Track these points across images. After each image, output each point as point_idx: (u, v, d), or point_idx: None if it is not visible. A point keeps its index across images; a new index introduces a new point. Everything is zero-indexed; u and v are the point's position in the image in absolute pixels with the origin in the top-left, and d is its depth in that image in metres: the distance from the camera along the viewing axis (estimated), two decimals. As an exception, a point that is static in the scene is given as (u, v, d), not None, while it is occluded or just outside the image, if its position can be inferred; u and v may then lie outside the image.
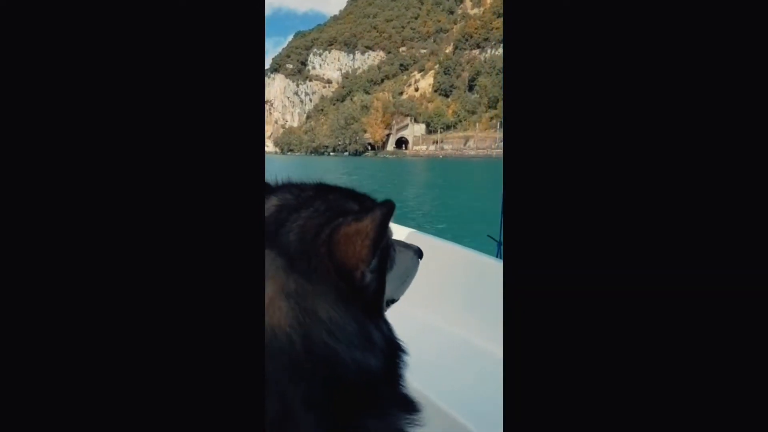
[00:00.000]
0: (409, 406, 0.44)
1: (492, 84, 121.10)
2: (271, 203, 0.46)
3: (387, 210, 0.41)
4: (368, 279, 0.43)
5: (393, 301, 0.51)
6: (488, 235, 2.43)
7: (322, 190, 0.48)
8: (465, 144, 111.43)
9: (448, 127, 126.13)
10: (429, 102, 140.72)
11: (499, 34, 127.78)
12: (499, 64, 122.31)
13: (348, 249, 0.41)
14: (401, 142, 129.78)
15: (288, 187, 0.48)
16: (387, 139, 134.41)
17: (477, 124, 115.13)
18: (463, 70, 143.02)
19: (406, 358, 0.46)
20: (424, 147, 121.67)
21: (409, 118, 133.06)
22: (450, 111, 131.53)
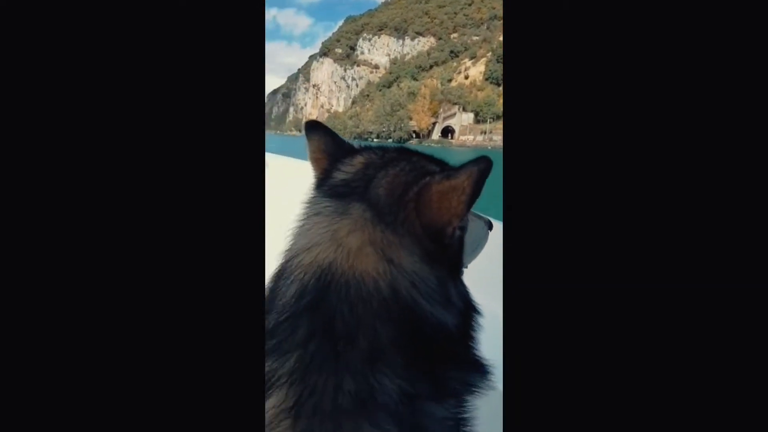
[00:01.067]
0: (482, 368, 0.46)
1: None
2: (357, 161, 0.48)
3: (485, 166, 0.42)
4: (457, 236, 0.45)
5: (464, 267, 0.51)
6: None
7: (404, 152, 0.50)
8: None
9: (498, 117, 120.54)
10: (479, 90, 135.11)
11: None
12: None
13: (442, 205, 0.42)
14: (447, 132, 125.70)
15: (371, 148, 0.50)
16: (433, 128, 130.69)
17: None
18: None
19: (481, 320, 0.47)
20: (471, 137, 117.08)
21: (457, 106, 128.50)
22: (501, 100, 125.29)
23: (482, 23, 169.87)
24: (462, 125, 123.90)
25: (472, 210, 0.48)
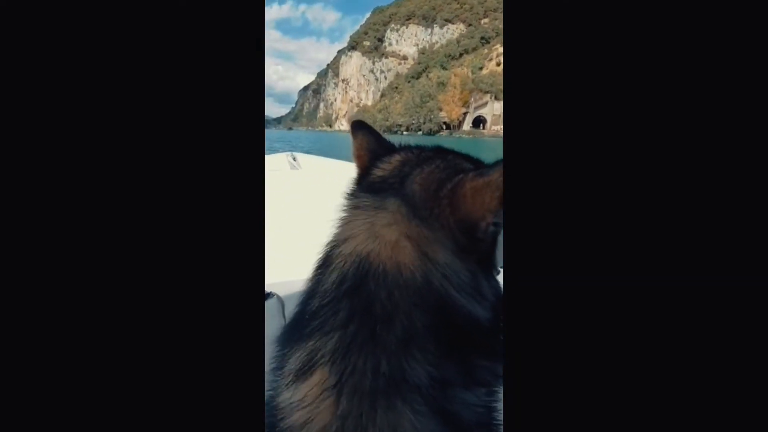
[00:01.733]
0: None
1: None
2: (395, 159, 0.51)
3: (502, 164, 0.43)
4: (492, 231, 0.46)
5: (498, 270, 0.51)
6: None
7: (440, 151, 0.52)
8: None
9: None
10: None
11: None
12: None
13: (476, 201, 0.43)
14: (479, 122, 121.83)
15: (409, 147, 0.53)
16: (464, 118, 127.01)
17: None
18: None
19: None
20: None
21: (488, 95, 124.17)
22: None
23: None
24: (494, 114, 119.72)
25: None
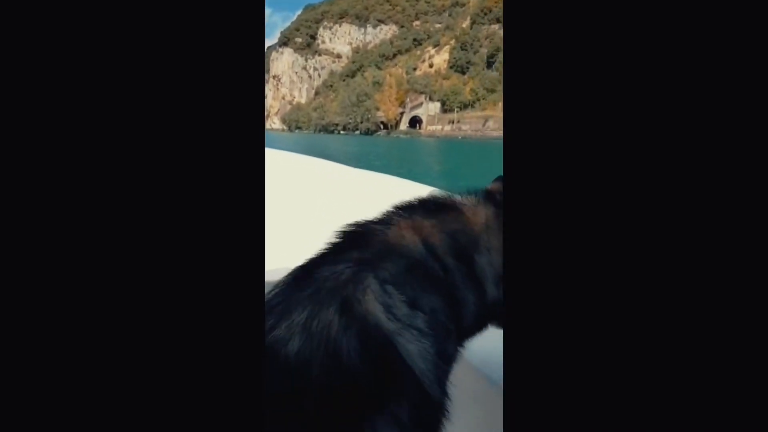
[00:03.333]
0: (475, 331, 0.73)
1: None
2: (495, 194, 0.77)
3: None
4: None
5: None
6: None
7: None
8: (484, 124, 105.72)
9: (465, 106, 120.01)
10: (444, 79, 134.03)
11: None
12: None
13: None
14: (415, 122, 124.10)
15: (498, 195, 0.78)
16: (400, 118, 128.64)
17: (499, 104, 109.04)
18: (481, 46, 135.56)
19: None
20: (439, 127, 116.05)
21: (423, 95, 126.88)
22: (467, 89, 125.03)
23: (444, 10, 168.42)
24: (429, 115, 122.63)
25: None
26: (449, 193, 0.77)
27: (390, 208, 0.71)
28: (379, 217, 0.69)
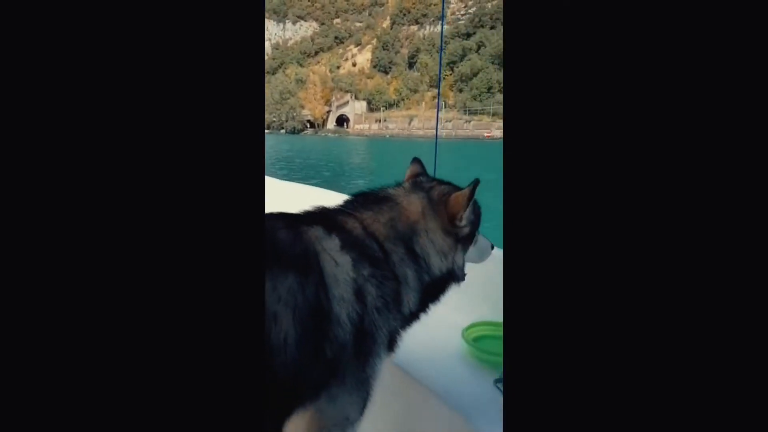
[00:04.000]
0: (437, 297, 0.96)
1: (433, 62, 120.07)
2: (428, 179, 1.00)
3: (474, 186, 0.89)
4: (463, 223, 0.91)
5: (462, 268, 0.97)
6: None
7: (442, 181, 1.00)
8: (409, 123, 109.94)
9: (390, 105, 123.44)
10: (368, 78, 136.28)
11: (437, 10, 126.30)
12: (438, 42, 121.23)
13: (456, 204, 0.88)
14: (342, 120, 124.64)
15: (421, 177, 1.02)
16: (327, 117, 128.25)
17: (422, 104, 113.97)
18: (402, 47, 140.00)
19: (464, 278, 0.96)
20: (366, 125, 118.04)
21: (349, 94, 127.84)
22: (391, 89, 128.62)
23: (364, 9, 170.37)
24: (356, 114, 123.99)
25: (482, 234, 1.02)
26: (383, 187, 0.96)
27: (332, 206, 0.89)
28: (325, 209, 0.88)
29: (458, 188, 0.94)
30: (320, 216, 0.84)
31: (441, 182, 0.99)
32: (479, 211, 0.97)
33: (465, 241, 0.94)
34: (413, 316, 0.91)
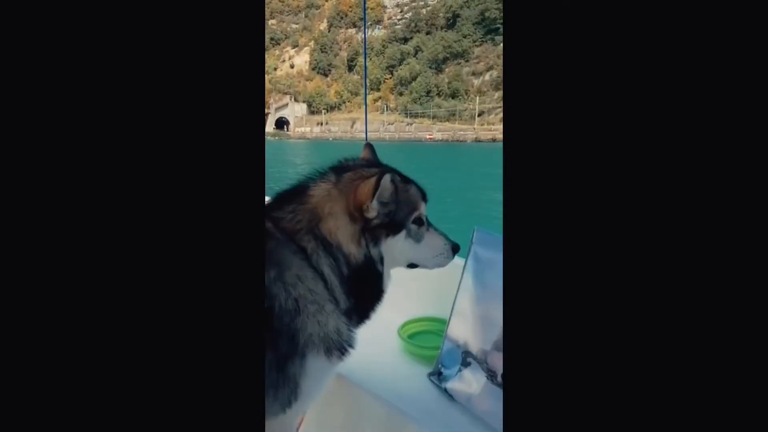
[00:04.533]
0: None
1: (372, 65, 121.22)
2: (353, 164, 0.98)
3: (379, 175, 0.85)
4: (371, 214, 0.86)
5: (415, 265, 0.96)
6: None
7: (370, 163, 0.99)
8: (352, 126, 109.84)
9: (331, 108, 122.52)
10: (307, 80, 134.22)
11: (374, 15, 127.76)
12: (377, 46, 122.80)
13: (362, 193, 0.85)
14: (282, 123, 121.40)
15: (357, 160, 1.00)
16: (266, 119, 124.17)
17: (365, 106, 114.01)
18: (340, 49, 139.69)
19: (380, 269, 0.91)
20: (308, 128, 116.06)
21: (288, 96, 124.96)
22: (332, 91, 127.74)
23: (300, 11, 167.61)
24: (296, 116, 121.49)
25: (437, 229, 0.97)
26: (303, 179, 0.94)
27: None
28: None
29: (369, 172, 0.91)
30: None
31: (368, 167, 0.95)
32: (412, 200, 0.93)
33: (381, 230, 0.90)
34: (353, 315, 0.89)
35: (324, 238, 0.86)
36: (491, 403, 0.91)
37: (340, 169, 0.95)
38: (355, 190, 0.87)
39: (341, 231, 0.86)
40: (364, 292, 0.91)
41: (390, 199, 0.87)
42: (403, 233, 0.92)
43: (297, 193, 0.91)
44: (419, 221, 0.94)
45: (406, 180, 0.94)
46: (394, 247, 0.91)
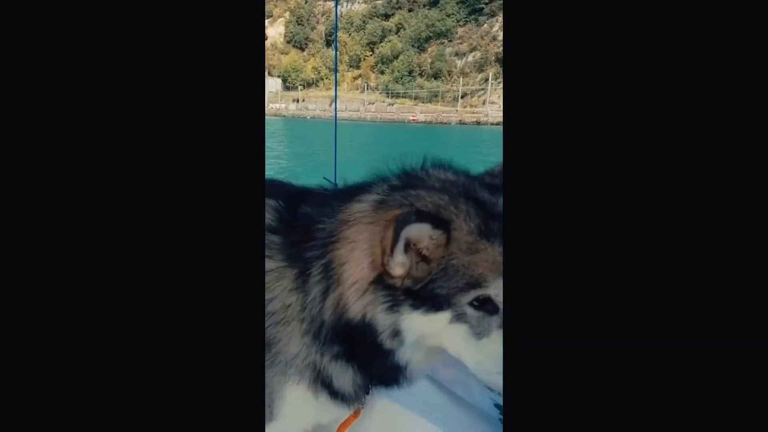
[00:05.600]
0: None
1: (353, 41, 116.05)
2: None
3: (402, 217, 0.61)
4: (394, 270, 0.64)
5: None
6: (324, 177, 2.16)
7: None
8: (330, 105, 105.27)
9: (308, 85, 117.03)
10: (282, 54, 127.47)
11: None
12: (357, 21, 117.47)
13: (386, 237, 0.65)
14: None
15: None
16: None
17: (343, 84, 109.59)
18: (318, 23, 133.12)
19: None
20: (283, 105, 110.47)
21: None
22: (309, 67, 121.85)
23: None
24: (270, 91, 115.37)
25: None
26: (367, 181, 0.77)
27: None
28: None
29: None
30: None
31: (436, 189, 0.71)
32: (474, 267, 0.63)
33: (406, 298, 0.67)
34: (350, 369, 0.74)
35: (329, 263, 0.67)
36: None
37: (399, 184, 0.72)
38: (384, 228, 0.64)
39: (351, 267, 0.66)
40: (357, 356, 0.70)
41: (430, 256, 0.62)
42: (447, 314, 0.63)
43: (343, 196, 0.73)
44: (485, 303, 0.63)
45: (484, 230, 0.64)
46: (427, 329, 0.65)
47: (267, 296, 0.68)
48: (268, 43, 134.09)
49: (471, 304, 0.61)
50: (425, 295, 0.61)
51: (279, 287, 0.68)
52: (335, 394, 0.73)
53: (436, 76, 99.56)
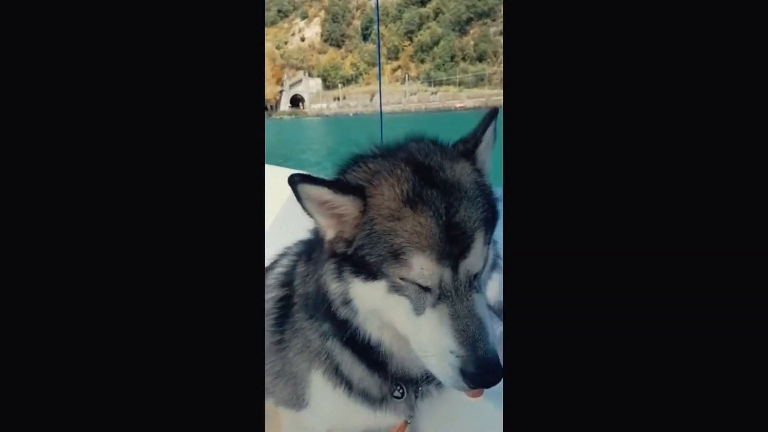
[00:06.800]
0: None
1: (390, 33, 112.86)
2: None
3: (293, 177, 0.59)
4: (326, 233, 0.68)
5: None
6: None
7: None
8: (371, 99, 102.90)
9: (348, 81, 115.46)
10: (320, 53, 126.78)
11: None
12: (393, 12, 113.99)
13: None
14: (297, 100, 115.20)
15: None
16: (280, 97, 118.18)
17: (383, 77, 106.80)
18: (353, 18, 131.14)
19: None
20: (325, 105, 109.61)
21: (301, 71, 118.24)
22: (347, 63, 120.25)
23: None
24: (311, 92, 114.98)
25: (479, 310, 0.61)
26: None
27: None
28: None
29: None
30: None
31: (386, 155, 0.72)
32: (396, 237, 0.60)
33: (346, 263, 0.67)
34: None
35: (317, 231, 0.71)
36: None
37: (372, 157, 0.71)
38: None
39: (327, 234, 0.68)
40: (334, 325, 0.71)
41: (349, 221, 0.63)
42: (383, 283, 0.63)
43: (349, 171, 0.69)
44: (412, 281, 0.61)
45: (411, 197, 0.61)
46: (369, 298, 0.64)
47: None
48: (305, 44, 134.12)
49: (404, 277, 0.60)
50: (359, 262, 0.62)
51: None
52: (349, 385, 0.76)
53: (480, 58, 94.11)
